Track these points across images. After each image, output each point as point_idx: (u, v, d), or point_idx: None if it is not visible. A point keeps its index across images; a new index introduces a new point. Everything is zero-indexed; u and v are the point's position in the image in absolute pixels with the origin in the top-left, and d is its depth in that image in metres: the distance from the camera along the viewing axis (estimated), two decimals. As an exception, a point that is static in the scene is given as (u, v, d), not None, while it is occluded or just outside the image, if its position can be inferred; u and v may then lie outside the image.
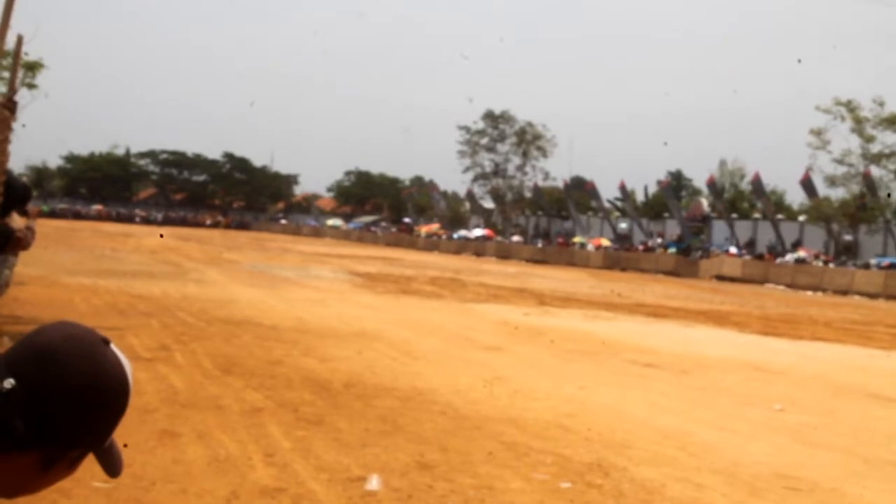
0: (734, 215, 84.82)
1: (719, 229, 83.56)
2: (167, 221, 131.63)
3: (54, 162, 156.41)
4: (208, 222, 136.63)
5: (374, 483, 8.38)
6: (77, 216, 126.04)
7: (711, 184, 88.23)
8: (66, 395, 1.89)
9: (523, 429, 11.15)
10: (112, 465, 2.03)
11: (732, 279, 63.00)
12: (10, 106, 7.43)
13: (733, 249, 73.70)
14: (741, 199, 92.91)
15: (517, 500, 8.36)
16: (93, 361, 1.94)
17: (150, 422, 9.71)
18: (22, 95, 23.04)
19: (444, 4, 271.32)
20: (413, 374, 14.81)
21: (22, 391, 1.87)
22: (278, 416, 10.91)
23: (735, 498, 8.92)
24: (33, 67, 23.43)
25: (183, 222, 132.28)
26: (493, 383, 14.30)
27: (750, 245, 77.85)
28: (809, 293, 54.88)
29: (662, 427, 11.82)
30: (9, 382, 1.87)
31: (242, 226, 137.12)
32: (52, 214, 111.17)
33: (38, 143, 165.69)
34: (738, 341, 23.54)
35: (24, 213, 10.23)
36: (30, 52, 22.31)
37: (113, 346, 2.01)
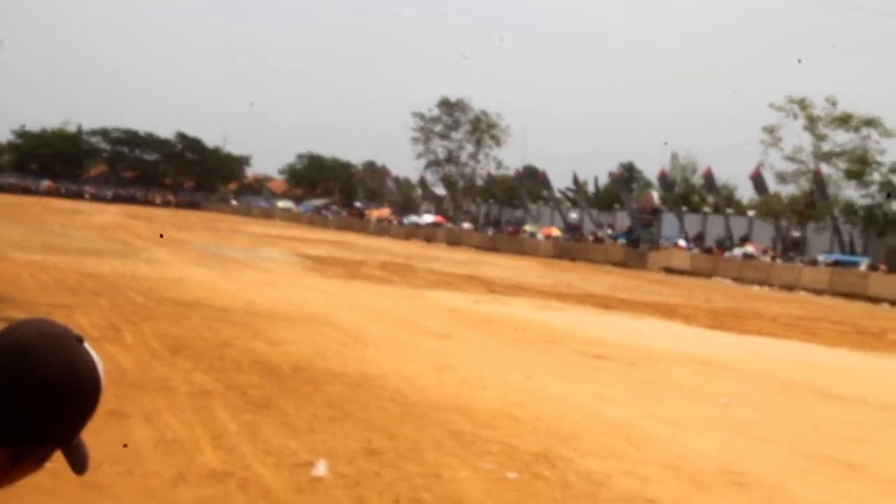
0: (684, 208, 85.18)
1: (669, 222, 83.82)
2: (117, 199, 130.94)
3: (4, 136, 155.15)
4: (158, 201, 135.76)
5: (321, 469, 8.37)
6: (26, 191, 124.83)
7: (662, 177, 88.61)
8: (39, 391, 1.88)
9: (471, 417, 11.17)
10: (79, 463, 2.02)
11: (681, 272, 63.16)
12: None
13: (682, 242, 74.00)
14: (692, 193, 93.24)
15: (464, 488, 8.38)
16: (66, 359, 1.93)
17: (97, 402, 9.61)
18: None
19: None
20: (362, 359, 14.80)
21: None
22: (226, 398, 10.89)
23: (680, 491, 8.99)
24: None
25: (133, 200, 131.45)
26: (442, 371, 14.33)
27: (699, 238, 78.20)
28: (756, 288, 55.17)
29: (609, 419, 11.88)
30: None
31: (193, 205, 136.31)
32: (1, 189, 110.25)
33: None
34: (686, 335, 23.70)
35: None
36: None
37: (86, 344, 1.99)
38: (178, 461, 8.23)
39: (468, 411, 11.49)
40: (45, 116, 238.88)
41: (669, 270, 64.30)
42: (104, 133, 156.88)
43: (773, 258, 65.35)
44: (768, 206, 73.48)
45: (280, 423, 9.98)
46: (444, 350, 16.83)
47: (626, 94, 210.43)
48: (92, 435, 1.86)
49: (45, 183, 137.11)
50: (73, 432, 1.98)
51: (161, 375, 11.85)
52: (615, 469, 9.44)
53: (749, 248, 68.31)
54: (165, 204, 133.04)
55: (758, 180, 74.92)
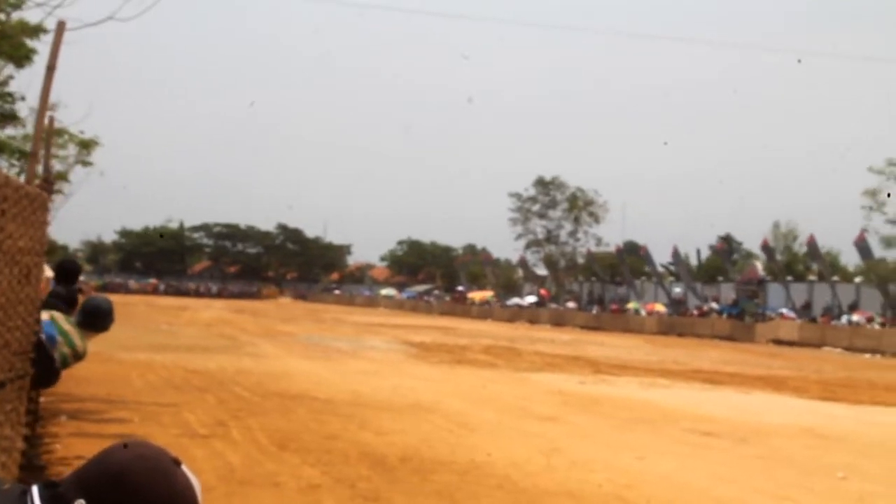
0: (789, 278, 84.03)
1: (775, 292, 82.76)
2: (222, 294, 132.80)
3: (109, 237, 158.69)
4: (262, 293, 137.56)
5: (432, 561, 8.32)
6: (132, 290, 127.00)
7: (765, 246, 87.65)
8: None
9: (581, 502, 11.06)
10: None
11: (789, 343, 62.23)
12: (47, 187, 7.53)
13: (789, 312, 73.00)
14: (796, 262, 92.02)
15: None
16: (165, 483, 1.92)
17: (207, 500, 9.60)
18: (76, 173, 23.39)
19: (510, 74, 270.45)
20: (469, 446, 14.73)
21: None
22: (335, 492, 10.87)
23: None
24: (88, 145, 23.67)
25: (239, 295, 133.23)
26: (550, 455, 14.21)
27: (806, 308, 77.08)
28: (868, 356, 54.06)
29: (722, 498, 11.68)
30: (79, 503, 1.87)
31: (299, 297, 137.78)
32: (107, 289, 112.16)
33: (94, 219, 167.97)
34: (797, 407, 23.30)
35: (78, 291, 10.26)
36: (85, 131, 22.61)
37: (183, 467, 1.99)
38: (288, 558, 8.22)
39: (578, 496, 11.37)
40: (148, 215, 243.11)
41: (777, 342, 63.43)
42: (206, 228, 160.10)
43: (883, 325, 64.09)
44: (874, 273, 72.16)
45: (389, 515, 9.94)
46: (552, 434, 16.69)
47: (724, 162, 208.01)
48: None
49: (151, 281, 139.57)
50: None
51: (269, 471, 11.88)
52: (731, 550, 9.27)
53: (854, 317, 67.09)
54: (269, 296, 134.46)
55: (862, 246, 73.80)
